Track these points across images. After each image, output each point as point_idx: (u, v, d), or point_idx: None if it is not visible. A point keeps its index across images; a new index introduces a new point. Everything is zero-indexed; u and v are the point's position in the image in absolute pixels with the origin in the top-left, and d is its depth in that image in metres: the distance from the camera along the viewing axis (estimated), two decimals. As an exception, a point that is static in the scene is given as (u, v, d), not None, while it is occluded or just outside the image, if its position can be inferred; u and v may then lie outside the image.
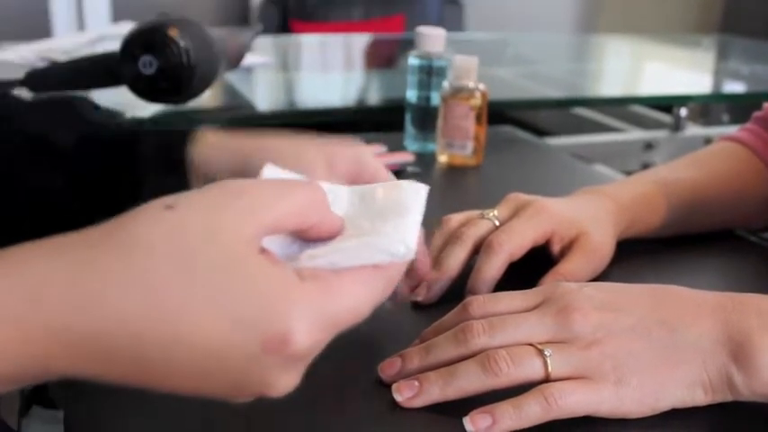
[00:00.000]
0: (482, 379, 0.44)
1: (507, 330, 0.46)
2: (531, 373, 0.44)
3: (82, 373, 0.33)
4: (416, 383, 0.46)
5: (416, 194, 0.45)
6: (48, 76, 1.04)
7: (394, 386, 0.46)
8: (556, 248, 0.62)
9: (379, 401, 0.46)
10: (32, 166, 0.56)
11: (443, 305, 0.54)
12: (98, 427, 0.45)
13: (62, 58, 1.11)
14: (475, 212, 0.63)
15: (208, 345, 0.33)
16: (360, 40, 2.01)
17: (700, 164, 0.77)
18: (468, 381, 0.45)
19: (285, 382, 0.36)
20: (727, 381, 0.45)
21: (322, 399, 0.46)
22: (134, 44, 0.94)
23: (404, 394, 0.46)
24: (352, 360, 0.49)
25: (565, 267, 0.60)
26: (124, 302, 0.32)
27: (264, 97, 1.42)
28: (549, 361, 0.44)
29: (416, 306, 0.58)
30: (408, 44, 1.00)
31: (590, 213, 0.64)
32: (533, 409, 0.43)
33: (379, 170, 0.57)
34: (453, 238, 0.61)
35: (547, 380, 0.44)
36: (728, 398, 0.45)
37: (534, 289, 0.50)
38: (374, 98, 1.52)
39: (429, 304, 0.58)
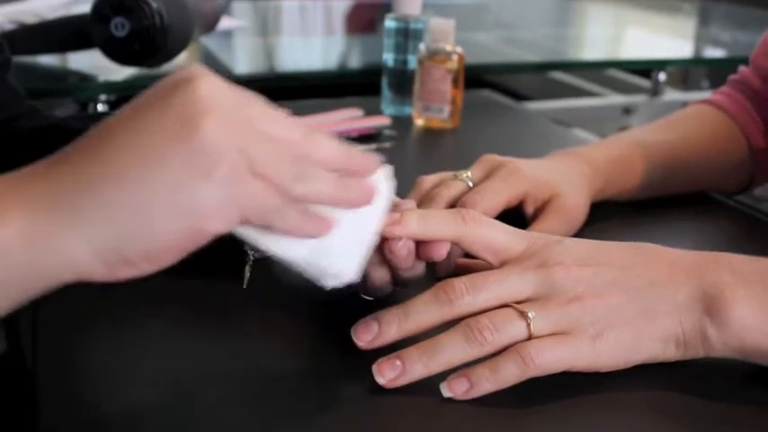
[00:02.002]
0: (467, 350, 0.44)
1: (489, 287, 0.45)
2: (515, 337, 0.44)
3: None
4: (398, 363, 0.44)
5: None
6: (18, 39, 1.03)
7: (375, 367, 0.44)
8: (529, 210, 0.62)
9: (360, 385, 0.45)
10: None
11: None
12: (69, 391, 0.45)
13: (33, 20, 1.09)
14: (448, 174, 0.63)
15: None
16: (339, 4, 1.99)
17: (675, 126, 0.77)
18: (453, 354, 0.44)
19: (204, 80, 0.36)
20: (700, 335, 0.45)
21: (301, 384, 0.46)
22: (105, 6, 0.93)
23: (386, 375, 0.44)
24: (332, 348, 0.49)
25: (538, 228, 0.60)
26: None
27: (241, 61, 1.41)
28: (531, 323, 0.44)
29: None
30: (388, 8, 0.99)
31: (564, 175, 0.64)
32: (510, 369, 0.43)
33: None
34: (426, 198, 0.61)
35: (529, 339, 0.44)
36: (700, 354, 0.46)
37: (518, 232, 0.49)
38: (353, 62, 1.51)
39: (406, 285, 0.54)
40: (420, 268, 0.50)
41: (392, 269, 0.49)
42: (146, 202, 0.34)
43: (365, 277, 0.49)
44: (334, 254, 0.42)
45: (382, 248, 0.47)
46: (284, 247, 0.41)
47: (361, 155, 0.42)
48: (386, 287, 0.50)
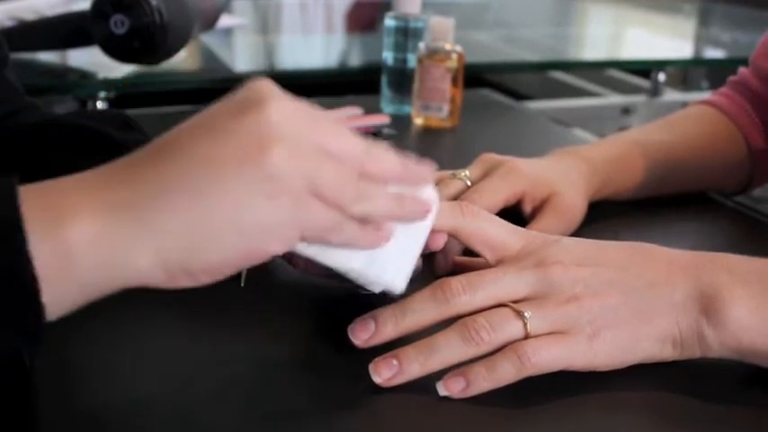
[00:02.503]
0: (463, 350, 0.44)
1: (486, 287, 0.45)
2: (512, 337, 0.44)
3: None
4: (395, 362, 0.44)
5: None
6: (17, 36, 1.03)
7: (371, 367, 0.44)
8: (527, 208, 0.62)
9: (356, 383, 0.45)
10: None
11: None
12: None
13: (32, 17, 1.09)
14: (447, 172, 0.63)
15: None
16: (339, 3, 1.99)
17: (674, 126, 0.77)
18: (450, 353, 0.44)
19: (275, 106, 0.37)
20: (697, 336, 0.45)
21: (298, 383, 0.46)
22: (105, 3, 0.93)
23: (383, 375, 0.44)
24: (330, 346, 0.49)
25: (536, 227, 0.60)
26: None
27: (241, 59, 1.41)
28: (528, 323, 0.44)
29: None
30: (388, 7, 0.99)
31: (562, 174, 0.64)
32: (507, 368, 0.43)
33: None
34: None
35: (526, 338, 0.44)
36: (697, 354, 0.46)
37: (516, 229, 0.49)
38: (352, 60, 1.51)
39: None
40: (418, 262, 0.50)
41: None
42: (213, 219, 0.36)
43: None
44: (385, 266, 0.44)
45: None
46: (336, 259, 0.43)
47: (416, 165, 0.43)
48: None
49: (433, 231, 0.47)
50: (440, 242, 0.48)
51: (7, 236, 0.33)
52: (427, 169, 0.44)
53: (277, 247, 0.38)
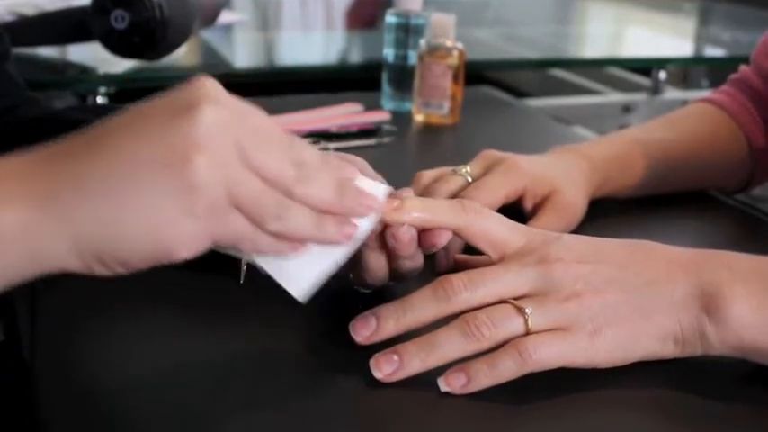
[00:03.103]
0: (464, 345, 0.44)
1: (487, 284, 0.45)
2: (513, 333, 0.44)
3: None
4: (395, 357, 0.44)
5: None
6: (17, 31, 1.02)
7: (372, 362, 0.44)
8: (528, 205, 0.62)
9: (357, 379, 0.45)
10: None
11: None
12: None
13: (33, 12, 1.08)
14: (447, 169, 0.63)
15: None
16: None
17: (675, 124, 0.77)
18: (451, 349, 0.44)
19: (208, 111, 0.37)
20: (699, 333, 0.45)
21: (299, 378, 0.46)
22: (105, -3, 0.92)
23: (383, 370, 0.44)
24: (330, 342, 0.49)
25: (536, 224, 0.60)
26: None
27: (241, 55, 1.41)
28: (529, 319, 0.44)
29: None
30: (389, 4, 0.99)
31: (563, 171, 0.64)
32: (508, 365, 0.43)
33: None
34: (425, 194, 0.61)
35: (527, 335, 0.44)
36: (698, 351, 0.46)
37: (518, 226, 0.49)
38: (353, 57, 1.51)
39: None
40: (419, 259, 0.50)
41: (391, 258, 0.49)
42: (126, 219, 0.36)
43: (363, 267, 0.48)
44: (291, 275, 0.43)
45: (383, 235, 0.47)
46: (252, 258, 0.43)
47: (357, 192, 0.43)
48: (383, 278, 0.50)
49: (436, 229, 0.47)
50: (443, 240, 0.48)
51: None
52: (371, 199, 0.44)
53: (185, 253, 0.38)
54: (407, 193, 0.49)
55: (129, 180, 0.36)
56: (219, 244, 0.39)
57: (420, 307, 0.45)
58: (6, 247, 0.36)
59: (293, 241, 0.41)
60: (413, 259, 0.49)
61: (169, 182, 0.36)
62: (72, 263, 0.37)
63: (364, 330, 0.45)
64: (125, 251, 0.37)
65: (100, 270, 0.38)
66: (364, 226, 0.44)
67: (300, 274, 0.43)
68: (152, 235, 0.37)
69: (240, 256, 0.43)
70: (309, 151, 0.42)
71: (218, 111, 0.37)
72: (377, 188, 0.46)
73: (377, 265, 0.49)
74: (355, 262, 0.48)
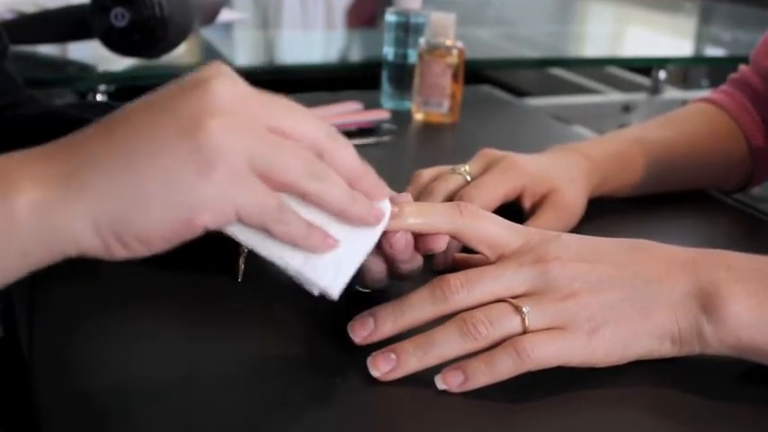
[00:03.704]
0: (461, 344, 0.44)
1: (485, 283, 0.45)
2: (510, 332, 0.44)
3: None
4: (393, 356, 0.44)
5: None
6: (17, 29, 1.02)
7: (369, 360, 0.44)
8: (527, 204, 0.62)
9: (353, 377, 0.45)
10: None
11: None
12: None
13: (33, 10, 1.08)
14: (446, 167, 0.63)
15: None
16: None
17: (674, 124, 0.77)
18: (448, 348, 0.44)
19: (221, 82, 0.37)
20: (696, 332, 0.45)
21: (297, 377, 0.46)
22: (105, -5, 0.92)
23: (381, 368, 0.44)
24: (327, 341, 0.49)
25: (535, 223, 0.60)
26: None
27: (242, 54, 1.41)
28: (527, 318, 0.44)
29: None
30: (389, 3, 0.99)
31: (562, 170, 0.64)
32: (505, 363, 0.43)
33: None
34: (424, 192, 0.61)
35: (524, 334, 0.44)
36: (695, 350, 0.46)
37: (515, 227, 0.49)
38: (353, 56, 1.51)
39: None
40: (419, 261, 0.50)
41: (390, 262, 0.49)
42: (145, 188, 0.36)
43: (363, 270, 0.49)
44: (325, 270, 0.43)
45: (381, 241, 0.47)
46: (274, 252, 0.42)
47: (376, 178, 0.43)
48: (383, 279, 0.50)
49: (434, 234, 0.47)
50: (441, 244, 0.48)
51: None
52: (384, 187, 0.44)
53: (208, 220, 0.37)
54: (405, 197, 0.49)
55: (144, 151, 0.36)
56: (246, 219, 0.38)
57: (418, 307, 0.45)
58: (23, 230, 0.35)
59: (323, 231, 0.41)
60: (411, 262, 0.49)
61: (183, 147, 0.36)
62: (91, 243, 0.36)
63: (362, 331, 0.46)
64: (145, 224, 0.36)
65: (119, 251, 0.37)
66: (386, 215, 0.44)
67: (332, 271, 0.43)
68: (170, 202, 0.36)
69: (264, 254, 0.42)
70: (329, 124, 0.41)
71: (233, 82, 0.38)
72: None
73: (376, 268, 0.49)
74: None
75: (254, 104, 0.38)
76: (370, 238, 0.44)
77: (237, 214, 0.38)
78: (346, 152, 0.41)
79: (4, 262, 0.36)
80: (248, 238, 0.41)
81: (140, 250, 0.37)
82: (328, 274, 0.43)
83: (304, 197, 0.40)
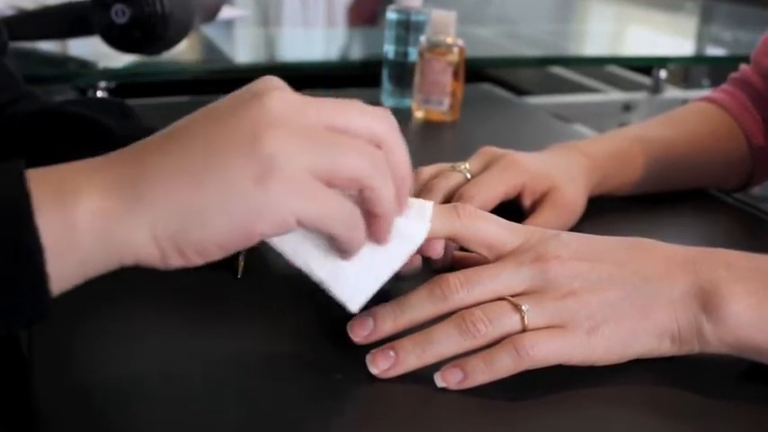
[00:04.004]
0: (460, 342, 0.44)
1: (484, 282, 0.45)
2: (509, 330, 0.44)
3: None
4: (392, 353, 0.44)
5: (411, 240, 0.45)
6: (18, 25, 1.02)
7: (368, 358, 0.44)
8: (527, 202, 0.62)
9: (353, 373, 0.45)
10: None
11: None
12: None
13: (33, 6, 1.08)
14: (446, 165, 0.63)
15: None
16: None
17: (674, 123, 0.77)
18: (447, 345, 0.44)
19: (276, 95, 0.38)
20: (696, 331, 0.45)
21: (296, 374, 0.46)
22: (106, -8, 0.92)
23: (380, 366, 0.44)
24: (326, 338, 0.49)
25: (535, 221, 0.60)
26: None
27: (242, 51, 1.40)
28: (526, 316, 0.44)
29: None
30: (390, 0, 0.99)
31: (562, 168, 0.64)
32: (505, 361, 0.43)
33: None
34: (424, 189, 0.61)
35: (523, 332, 0.44)
36: (695, 349, 0.46)
37: (514, 226, 0.49)
38: (353, 54, 1.51)
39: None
40: (417, 262, 0.50)
41: None
42: (204, 201, 0.36)
43: None
44: (346, 283, 0.43)
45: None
46: (306, 263, 0.43)
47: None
48: None
49: (430, 239, 0.47)
50: (438, 249, 0.48)
51: (15, 211, 0.34)
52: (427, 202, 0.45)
53: (266, 229, 0.37)
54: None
55: (203, 164, 0.36)
56: (306, 223, 0.38)
57: (417, 307, 0.45)
58: (83, 238, 0.35)
59: (375, 215, 0.41)
60: (409, 264, 0.49)
61: (240, 158, 0.36)
62: (150, 252, 0.36)
63: (362, 330, 0.46)
64: (204, 236, 0.37)
65: (176, 261, 0.37)
66: (422, 227, 0.45)
67: (356, 285, 0.43)
68: (229, 214, 0.36)
69: (296, 263, 0.43)
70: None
71: (285, 94, 0.38)
72: (423, 203, 0.46)
73: None
74: None
75: (308, 110, 0.38)
76: (399, 253, 0.44)
77: (299, 222, 0.38)
78: (400, 150, 0.41)
79: (62, 269, 0.35)
80: (282, 245, 0.42)
81: (197, 260, 0.38)
82: (348, 289, 0.43)
83: (366, 192, 0.40)
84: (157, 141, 0.38)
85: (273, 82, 0.39)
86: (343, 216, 0.39)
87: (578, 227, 0.63)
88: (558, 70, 1.62)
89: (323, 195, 0.38)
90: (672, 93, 1.46)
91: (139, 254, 0.37)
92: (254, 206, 0.36)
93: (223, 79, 1.26)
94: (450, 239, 0.48)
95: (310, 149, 0.37)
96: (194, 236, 0.37)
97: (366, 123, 0.40)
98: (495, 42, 1.52)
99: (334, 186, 0.38)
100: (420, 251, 0.47)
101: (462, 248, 0.55)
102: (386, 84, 1.00)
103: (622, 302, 0.45)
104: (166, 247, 0.37)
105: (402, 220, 0.44)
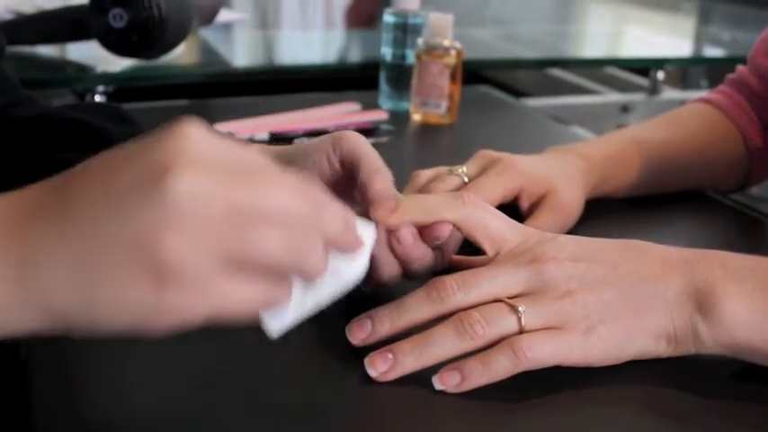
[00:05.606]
0: (457, 344, 0.44)
1: (481, 284, 0.45)
2: (506, 331, 0.44)
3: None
4: (390, 356, 0.44)
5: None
6: (15, 29, 1.03)
7: (367, 360, 0.44)
8: (524, 205, 0.62)
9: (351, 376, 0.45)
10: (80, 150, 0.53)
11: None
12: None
13: (31, 10, 1.08)
14: (444, 168, 0.63)
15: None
16: (338, -1, 1.99)
17: (672, 124, 0.77)
18: (444, 347, 0.44)
19: (180, 179, 0.32)
20: (692, 332, 0.45)
21: (294, 378, 0.46)
22: (103, -4, 0.92)
23: (378, 368, 0.44)
24: (325, 340, 0.49)
25: (533, 224, 0.60)
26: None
27: (240, 54, 1.41)
28: (523, 318, 0.44)
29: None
30: (387, 3, 0.99)
31: (559, 170, 0.64)
32: (502, 363, 0.43)
33: (375, 164, 0.50)
34: (421, 193, 0.61)
35: (520, 333, 0.44)
36: (691, 350, 0.46)
37: (515, 224, 0.49)
38: (351, 56, 1.51)
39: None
40: (429, 256, 0.49)
41: (402, 261, 0.49)
42: (99, 293, 0.33)
43: (374, 272, 0.48)
44: (271, 313, 0.40)
45: (389, 241, 0.47)
46: None
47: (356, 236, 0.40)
48: (396, 278, 0.50)
49: (437, 223, 0.47)
50: (445, 232, 0.48)
51: None
52: (370, 230, 0.43)
53: (164, 332, 0.34)
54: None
55: (99, 258, 0.32)
56: (216, 320, 0.34)
57: (415, 309, 0.45)
58: None
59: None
60: (422, 258, 0.49)
61: (137, 262, 0.32)
62: (43, 330, 0.34)
63: (360, 333, 0.46)
64: (99, 326, 0.34)
65: (74, 334, 0.34)
66: (358, 267, 0.43)
67: (282, 310, 0.39)
68: (125, 314, 0.33)
69: None
70: (313, 187, 0.36)
71: (195, 175, 0.32)
72: (367, 227, 0.44)
73: (389, 271, 0.49)
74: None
75: (215, 197, 0.32)
76: (326, 294, 0.42)
77: (206, 319, 0.34)
78: (335, 223, 0.37)
79: None
80: None
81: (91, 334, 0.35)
82: (271, 314, 0.40)
83: (291, 272, 0.36)
84: (55, 216, 0.33)
85: (184, 143, 0.33)
86: (254, 302, 0.35)
87: (576, 229, 0.64)
88: (556, 72, 1.62)
89: (229, 291, 0.34)
90: (669, 94, 1.46)
91: (32, 331, 0.34)
92: (153, 314, 0.33)
93: (221, 82, 1.26)
94: (454, 226, 0.48)
95: (216, 247, 0.32)
96: (91, 326, 0.34)
97: (280, 203, 0.34)
98: (492, 44, 1.52)
99: (254, 273, 0.34)
100: (428, 235, 0.48)
101: (461, 249, 0.55)
102: (384, 86, 1.01)
103: (618, 303, 0.45)
104: (62, 327, 0.34)
105: (339, 258, 0.40)
